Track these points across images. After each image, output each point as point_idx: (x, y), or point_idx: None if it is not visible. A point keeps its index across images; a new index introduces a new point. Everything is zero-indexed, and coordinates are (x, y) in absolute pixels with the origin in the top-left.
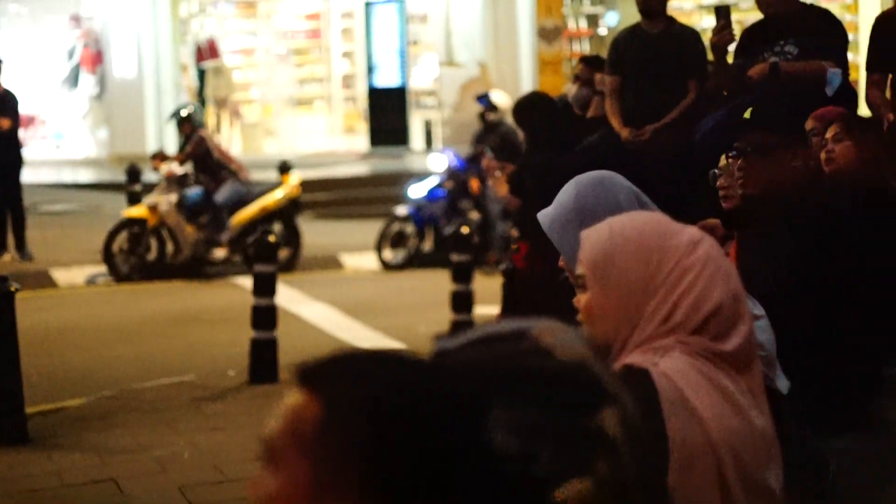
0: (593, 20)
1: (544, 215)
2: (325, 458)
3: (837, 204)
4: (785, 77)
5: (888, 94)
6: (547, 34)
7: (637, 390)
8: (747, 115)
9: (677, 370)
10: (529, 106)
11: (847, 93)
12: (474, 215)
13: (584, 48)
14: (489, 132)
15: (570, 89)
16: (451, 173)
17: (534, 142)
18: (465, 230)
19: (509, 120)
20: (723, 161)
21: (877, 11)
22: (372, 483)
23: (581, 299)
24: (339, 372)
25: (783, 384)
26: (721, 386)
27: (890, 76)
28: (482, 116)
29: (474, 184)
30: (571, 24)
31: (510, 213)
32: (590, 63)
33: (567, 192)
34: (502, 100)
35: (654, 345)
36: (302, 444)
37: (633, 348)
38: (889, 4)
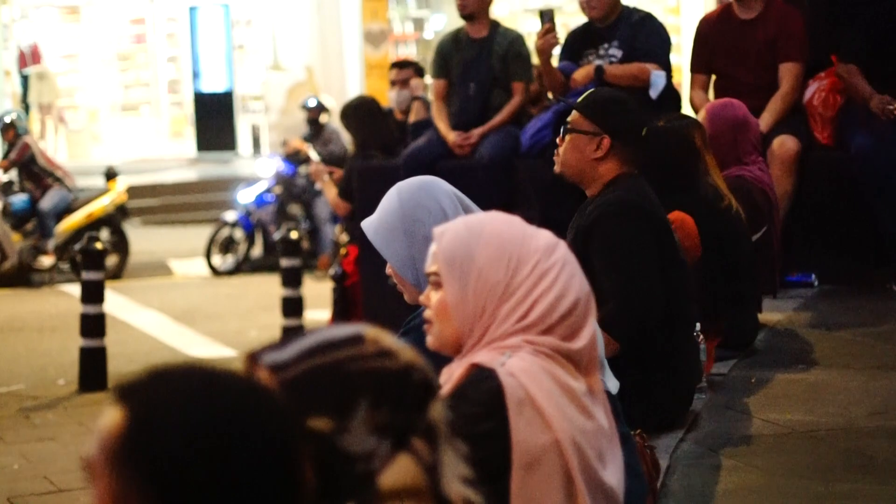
0: (419, 24)
1: (368, 224)
2: (123, 470)
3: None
4: (610, 80)
5: (710, 93)
6: (373, 38)
7: (483, 389)
8: None
9: (524, 370)
10: (357, 110)
11: (671, 95)
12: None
13: (411, 52)
14: (317, 136)
15: (391, 96)
16: (280, 178)
17: (361, 146)
18: (294, 235)
19: (336, 123)
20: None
21: (699, 14)
22: (166, 499)
23: (431, 296)
24: (150, 386)
25: (612, 384)
26: (566, 386)
27: (713, 77)
28: (310, 120)
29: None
30: (397, 28)
31: (339, 217)
32: (401, 66)
33: (389, 199)
34: (331, 103)
35: (503, 343)
36: (107, 456)
37: (483, 346)
38: (711, 7)
